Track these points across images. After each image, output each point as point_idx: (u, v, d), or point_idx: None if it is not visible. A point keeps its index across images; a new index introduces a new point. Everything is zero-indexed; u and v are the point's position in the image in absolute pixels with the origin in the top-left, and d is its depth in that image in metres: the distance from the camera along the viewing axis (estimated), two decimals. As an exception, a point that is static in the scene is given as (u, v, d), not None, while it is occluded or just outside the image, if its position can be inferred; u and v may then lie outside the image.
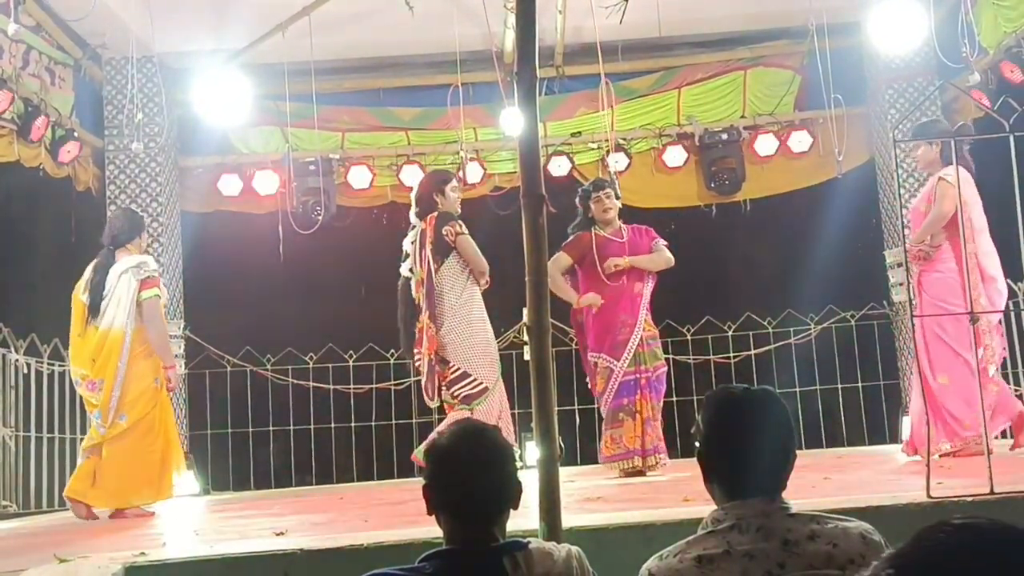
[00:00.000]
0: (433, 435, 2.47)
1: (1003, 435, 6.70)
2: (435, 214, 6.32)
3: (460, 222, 6.31)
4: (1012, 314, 8.77)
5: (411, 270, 6.50)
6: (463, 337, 6.17)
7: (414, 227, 6.51)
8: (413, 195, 6.64)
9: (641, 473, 6.81)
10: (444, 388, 6.21)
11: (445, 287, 6.21)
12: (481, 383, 6.10)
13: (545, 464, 2.98)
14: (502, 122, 10.06)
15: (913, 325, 6.27)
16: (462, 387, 6.11)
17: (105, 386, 6.35)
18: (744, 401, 2.31)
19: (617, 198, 7.22)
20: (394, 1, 8.12)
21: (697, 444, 2.32)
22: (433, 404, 6.39)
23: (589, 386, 7.16)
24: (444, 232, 6.21)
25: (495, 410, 6.10)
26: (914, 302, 6.50)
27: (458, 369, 6.12)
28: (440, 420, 6.77)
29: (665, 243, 7.14)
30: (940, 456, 5.99)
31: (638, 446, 6.79)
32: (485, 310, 6.36)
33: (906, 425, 6.70)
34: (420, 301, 6.37)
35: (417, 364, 6.40)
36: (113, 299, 6.39)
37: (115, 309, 6.38)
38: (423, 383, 6.34)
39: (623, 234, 7.11)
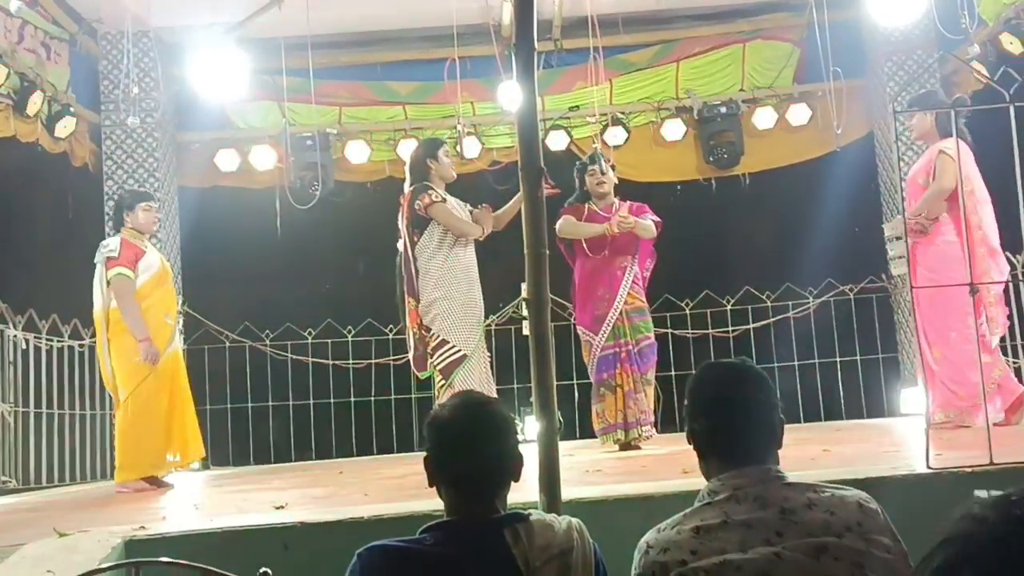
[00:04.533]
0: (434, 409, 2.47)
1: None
2: (411, 188, 6.27)
3: (433, 191, 6.19)
4: (1011, 286, 8.78)
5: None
6: (443, 304, 6.12)
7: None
8: (407, 166, 6.59)
9: (637, 447, 6.85)
10: (430, 357, 6.19)
11: (423, 258, 6.17)
12: (459, 350, 6.07)
13: (544, 437, 2.98)
14: (500, 96, 10.01)
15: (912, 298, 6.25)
16: (442, 356, 6.08)
17: (100, 365, 6.77)
18: (725, 375, 2.37)
19: (605, 173, 7.18)
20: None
21: (687, 425, 2.34)
22: (423, 375, 6.39)
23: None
24: (416, 206, 6.15)
25: (475, 378, 6.08)
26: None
27: (438, 336, 6.10)
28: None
29: (657, 220, 7.10)
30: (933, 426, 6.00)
31: (620, 420, 6.86)
32: (475, 272, 6.31)
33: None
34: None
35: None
36: (96, 284, 6.70)
37: (96, 292, 6.69)
38: (411, 357, 6.35)
39: (612, 210, 7.10)
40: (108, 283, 6.57)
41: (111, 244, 6.68)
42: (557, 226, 6.94)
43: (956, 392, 6.20)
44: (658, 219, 7.10)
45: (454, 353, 6.06)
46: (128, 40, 9.23)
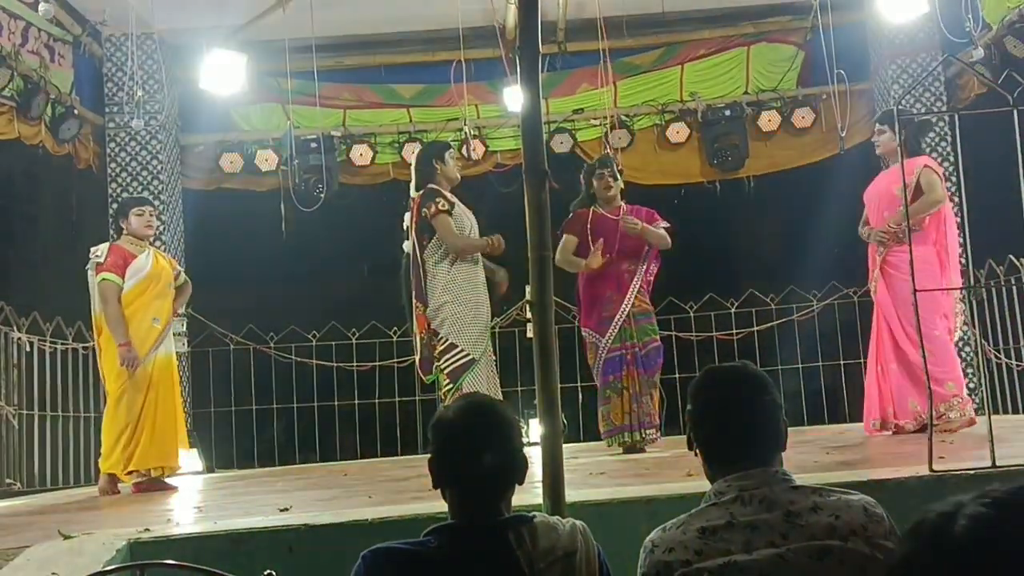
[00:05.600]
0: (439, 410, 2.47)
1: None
2: (422, 191, 6.24)
3: (443, 199, 6.12)
4: (1014, 289, 8.79)
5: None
6: (452, 308, 6.09)
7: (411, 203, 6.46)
8: (412, 168, 6.56)
9: (641, 449, 6.84)
10: (436, 360, 6.17)
11: (431, 262, 6.15)
12: (468, 354, 6.06)
13: (548, 440, 2.99)
14: (504, 99, 10.02)
15: (874, 302, 6.57)
16: (449, 360, 6.07)
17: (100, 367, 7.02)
18: (727, 378, 2.37)
19: (615, 178, 7.19)
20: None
21: (689, 430, 2.34)
22: (428, 379, 6.38)
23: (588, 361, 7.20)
24: (423, 212, 6.13)
25: (482, 381, 6.07)
26: (874, 285, 6.74)
27: (446, 340, 6.09)
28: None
29: (666, 225, 7.10)
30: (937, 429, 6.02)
31: (626, 422, 6.85)
32: (483, 276, 6.28)
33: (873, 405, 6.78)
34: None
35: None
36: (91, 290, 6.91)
37: (93, 298, 6.89)
38: (417, 360, 6.33)
39: (620, 213, 7.10)
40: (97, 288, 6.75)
41: (99, 250, 6.83)
42: (558, 252, 6.88)
43: (942, 382, 6.24)
44: (668, 224, 7.09)
45: (463, 357, 6.05)
46: (132, 42, 9.25)
